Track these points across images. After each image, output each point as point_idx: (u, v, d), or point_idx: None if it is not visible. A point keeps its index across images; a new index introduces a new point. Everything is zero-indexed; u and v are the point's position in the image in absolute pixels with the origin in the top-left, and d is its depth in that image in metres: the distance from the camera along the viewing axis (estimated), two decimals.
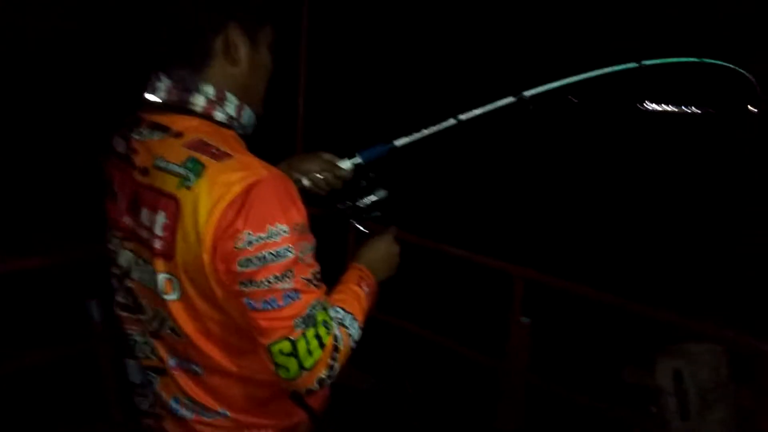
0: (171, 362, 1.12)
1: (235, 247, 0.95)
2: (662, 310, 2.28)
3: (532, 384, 2.55)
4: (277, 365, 1.01)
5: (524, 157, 10.62)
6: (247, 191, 0.95)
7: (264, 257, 0.96)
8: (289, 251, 0.97)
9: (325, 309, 1.05)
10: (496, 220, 7.12)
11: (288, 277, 0.98)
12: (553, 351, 3.15)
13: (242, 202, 0.95)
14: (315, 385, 1.05)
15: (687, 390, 2.06)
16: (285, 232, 0.97)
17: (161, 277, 1.04)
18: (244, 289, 0.98)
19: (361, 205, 1.37)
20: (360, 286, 1.22)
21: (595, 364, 3.22)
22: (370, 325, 1.13)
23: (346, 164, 1.39)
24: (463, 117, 1.49)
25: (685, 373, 2.08)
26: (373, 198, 1.37)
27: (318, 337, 1.02)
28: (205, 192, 0.96)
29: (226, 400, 1.13)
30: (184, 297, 1.04)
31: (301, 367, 1.01)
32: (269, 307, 0.98)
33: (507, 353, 2.60)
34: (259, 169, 0.99)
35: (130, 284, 1.14)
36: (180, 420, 1.15)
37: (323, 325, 1.04)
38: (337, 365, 1.07)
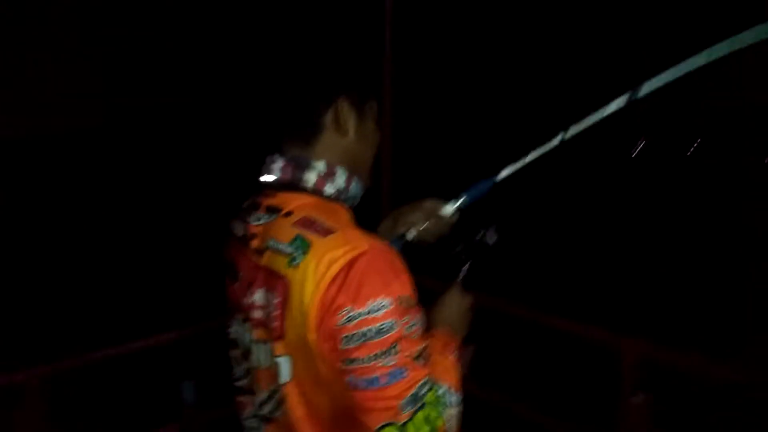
0: None
1: (337, 324, 0.94)
2: None
3: None
4: None
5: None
6: (349, 266, 0.95)
7: (365, 333, 0.94)
8: (393, 326, 0.95)
9: (433, 388, 1.00)
10: (593, 278, 6.56)
11: (392, 354, 0.94)
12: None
13: (344, 278, 0.95)
14: None
15: None
16: (387, 306, 0.94)
17: (277, 360, 1.05)
18: (347, 367, 0.96)
19: (477, 240, 1.33)
20: (445, 355, 1.16)
21: None
22: (468, 403, 1.05)
23: (448, 209, 1.35)
24: (569, 134, 1.34)
25: None
26: (482, 233, 1.33)
27: (428, 420, 0.97)
28: (311, 270, 0.97)
29: None
30: (296, 378, 1.04)
31: None
32: (372, 386, 0.94)
33: None
34: (361, 242, 0.98)
35: (248, 365, 1.16)
36: None
37: (433, 406, 0.98)
38: None
